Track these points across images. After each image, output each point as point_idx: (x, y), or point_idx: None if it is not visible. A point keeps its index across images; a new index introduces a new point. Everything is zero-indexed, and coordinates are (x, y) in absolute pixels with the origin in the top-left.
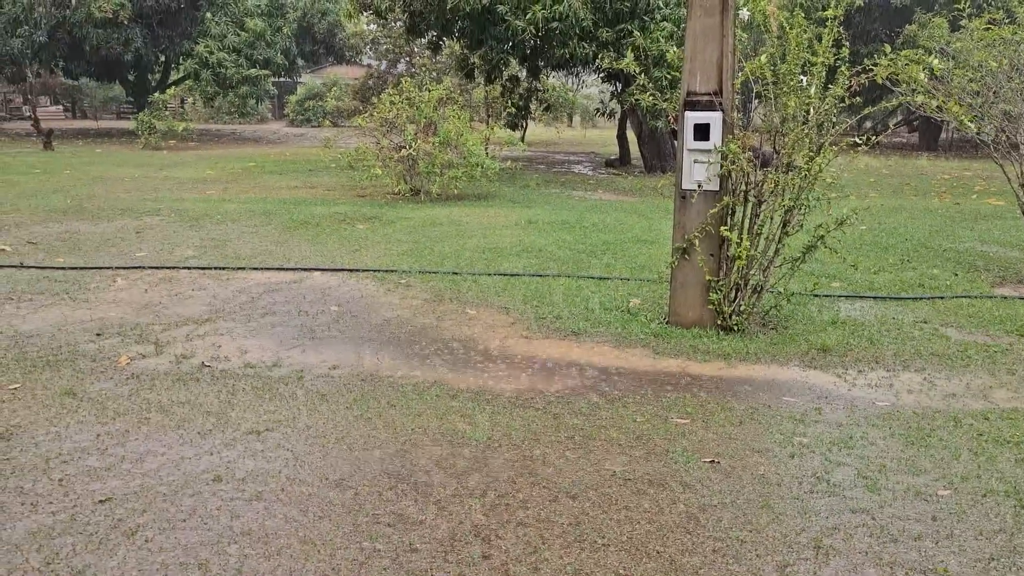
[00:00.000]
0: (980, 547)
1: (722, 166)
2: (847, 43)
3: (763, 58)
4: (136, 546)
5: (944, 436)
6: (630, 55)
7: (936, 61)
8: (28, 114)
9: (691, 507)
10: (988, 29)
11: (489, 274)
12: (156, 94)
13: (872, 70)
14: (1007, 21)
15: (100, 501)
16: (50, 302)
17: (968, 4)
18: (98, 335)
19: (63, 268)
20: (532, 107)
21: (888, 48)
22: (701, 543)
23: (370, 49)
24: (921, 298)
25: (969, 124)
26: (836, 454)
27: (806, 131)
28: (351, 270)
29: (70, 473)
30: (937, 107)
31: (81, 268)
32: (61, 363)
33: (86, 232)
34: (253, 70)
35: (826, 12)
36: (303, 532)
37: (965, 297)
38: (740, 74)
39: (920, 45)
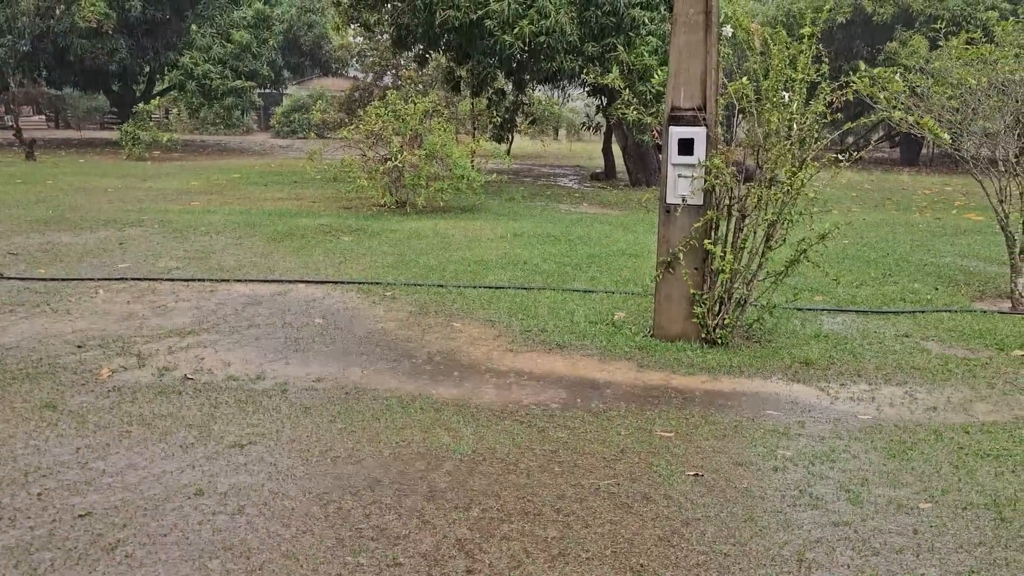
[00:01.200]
0: (961, 560)
1: (706, 180)
2: (827, 60)
3: (745, 79)
4: (116, 562)
5: (925, 449)
6: (615, 71)
7: (899, 79)
8: (10, 124)
9: (675, 521)
10: (967, 48)
11: (474, 287)
12: (140, 105)
13: (849, 85)
14: (984, 40)
15: (80, 516)
16: (30, 314)
17: (945, 23)
18: (79, 347)
19: (44, 279)
20: (518, 120)
21: (863, 65)
22: (685, 557)
23: (356, 61)
24: (902, 312)
25: (944, 136)
26: (819, 467)
27: (788, 146)
28: (336, 282)
29: (49, 487)
30: (913, 123)
31: (63, 279)
32: (41, 376)
33: (68, 243)
34: (239, 81)
35: (806, 30)
36: (286, 547)
37: (946, 311)
38: (724, 95)
39: (900, 63)
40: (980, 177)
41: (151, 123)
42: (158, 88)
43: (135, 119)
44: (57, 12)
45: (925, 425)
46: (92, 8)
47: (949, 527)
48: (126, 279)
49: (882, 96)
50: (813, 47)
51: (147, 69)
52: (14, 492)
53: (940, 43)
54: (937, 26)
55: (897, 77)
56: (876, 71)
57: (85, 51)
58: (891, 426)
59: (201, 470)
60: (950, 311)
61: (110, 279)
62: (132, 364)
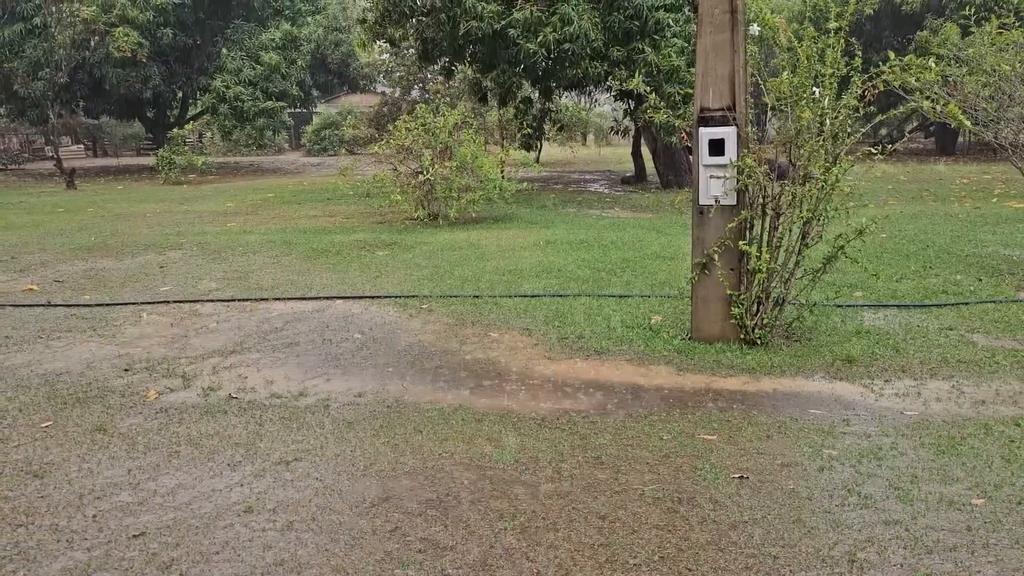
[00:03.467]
0: (1017, 556)
1: (738, 180)
2: (859, 52)
3: (785, 75)
4: None
5: (975, 444)
6: (638, 76)
7: (933, 65)
8: (51, 155)
9: (721, 524)
10: (1000, 33)
11: (510, 296)
12: (175, 130)
13: (880, 75)
14: (1017, 25)
15: (134, 536)
16: (78, 339)
17: (973, 10)
18: (126, 370)
19: (90, 305)
20: (546, 128)
21: (893, 55)
22: (733, 560)
23: (384, 77)
24: (945, 305)
25: (966, 122)
26: (866, 466)
27: (821, 142)
28: (373, 297)
29: (103, 509)
30: (940, 110)
31: (107, 304)
32: (91, 400)
33: (111, 268)
34: (269, 102)
35: (832, 24)
36: (335, 561)
37: (990, 302)
38: (764, 98)
39: (931, 52)
40: (1019, 164)
41: (186, 147)
42: (191, 112)
43: (170, 144)
44: (92, 44)
45: (974, 419)
46: (126, 38)
47: (1004, 523)
48: (168, 302)
49: (913, 82)
50: (841, 41)
51: (180, 94)
52: (70, 515)
53: (972, 30)
54: (967, 12)
55: (931, 64)
56: (907, 58)
57: (120, 80)
58: (939, 421)
59: (249, 487)
60: (995, 302)
61: (153, 302)
62: (178, 385)
